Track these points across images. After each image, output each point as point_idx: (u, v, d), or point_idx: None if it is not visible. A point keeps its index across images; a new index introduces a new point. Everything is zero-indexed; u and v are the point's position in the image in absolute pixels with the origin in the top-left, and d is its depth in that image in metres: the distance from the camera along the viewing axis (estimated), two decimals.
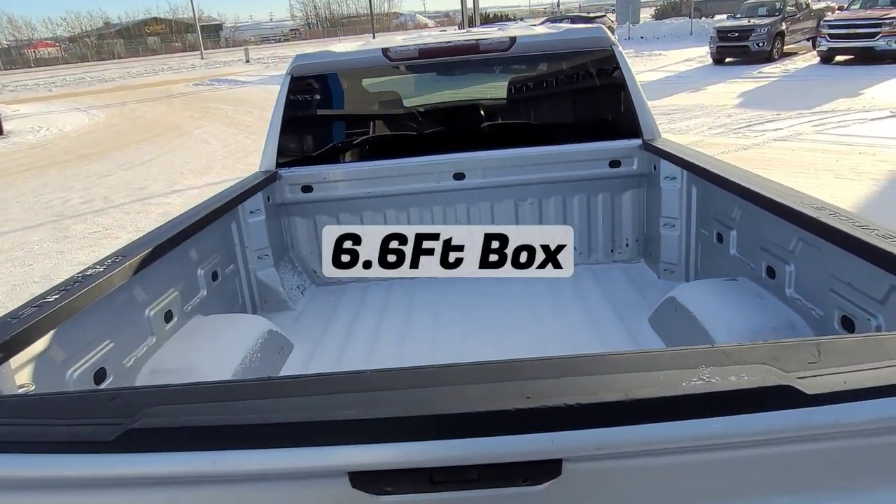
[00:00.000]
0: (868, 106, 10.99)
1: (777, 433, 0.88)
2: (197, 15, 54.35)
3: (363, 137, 3.11)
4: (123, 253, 1.80)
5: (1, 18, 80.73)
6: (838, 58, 16.44)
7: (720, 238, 2.28)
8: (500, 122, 3.15)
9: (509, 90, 3.08)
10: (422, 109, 3.22)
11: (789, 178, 7.24)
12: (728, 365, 0.93)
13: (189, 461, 0.88)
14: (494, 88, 3.24)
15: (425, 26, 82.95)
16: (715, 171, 2.15)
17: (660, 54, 22.95)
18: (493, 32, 2.84)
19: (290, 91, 2.86)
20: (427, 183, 2.86)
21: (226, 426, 0.91)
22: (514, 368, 0.99)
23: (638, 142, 2.82)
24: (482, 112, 3.11)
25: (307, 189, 2.91)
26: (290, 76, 2.87)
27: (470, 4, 32.84)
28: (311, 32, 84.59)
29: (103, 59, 65.29)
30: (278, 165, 2.91)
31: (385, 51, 2.76)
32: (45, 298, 1.47)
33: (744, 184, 1.92)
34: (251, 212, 2.69)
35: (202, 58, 44.64)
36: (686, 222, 2.60)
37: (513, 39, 2.72)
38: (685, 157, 2.42)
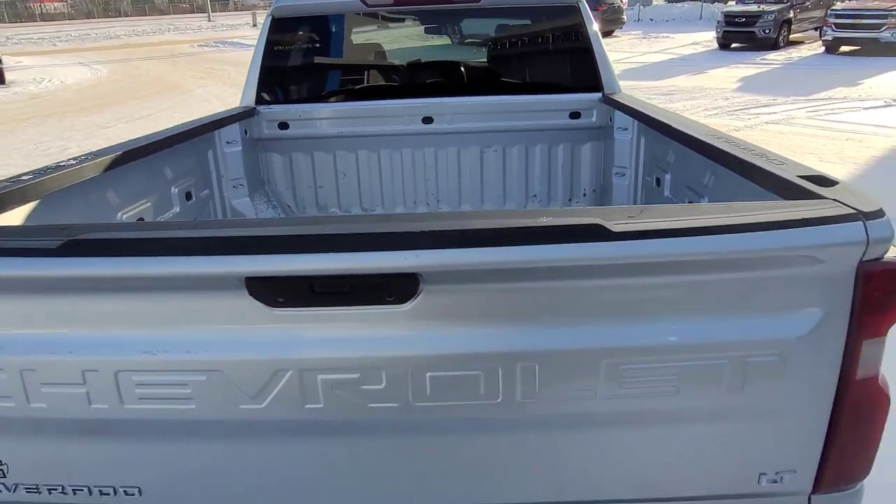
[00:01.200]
0: (864, 95, 11.05)
1: (585, 260, 1.06)
2: None
3: (340, 80, 3.25)
4: (96, 154, 1.95)
5: None
6: (843, 48, 16.41)
7: (658, 182, 2.43)
8: (468, 70, 3.28)
9: (478, 41, 3.21)
10: (396, 57, 3.35)
11: None
12: (568, 217, 1.10)
13: (116, 265, 1.06)
14: (465, 39, 3.37)
15: None
16: (657, 117, 2.28)
17: (667, 37, 22.83)
18: None
19: (270, 31, 2.99)
20: (397, 126, 3.00)
21: (147, 239, 1.10)
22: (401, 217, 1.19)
23: (598, 95, 2.95)
24: (452, 61, 3.25)
25: (284, 126, 3.05)
26: (271, 17, 2.99)
27: None
28: None
29: (109, 16, 64.69)
30: (257, 102, 3.05)
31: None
32: (19, 177, 1.63)
33: (675, 125, 2.06)
34: (227, 142, 2.83)
35: (209, 20, 44.29)
36: (634, 171, 2.74)
37: None
38: (636, 108, 2.55)
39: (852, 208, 1.09)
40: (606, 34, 24.66)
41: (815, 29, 18.94)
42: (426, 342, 1.11)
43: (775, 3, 18.43)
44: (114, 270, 1.07)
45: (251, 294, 1.07)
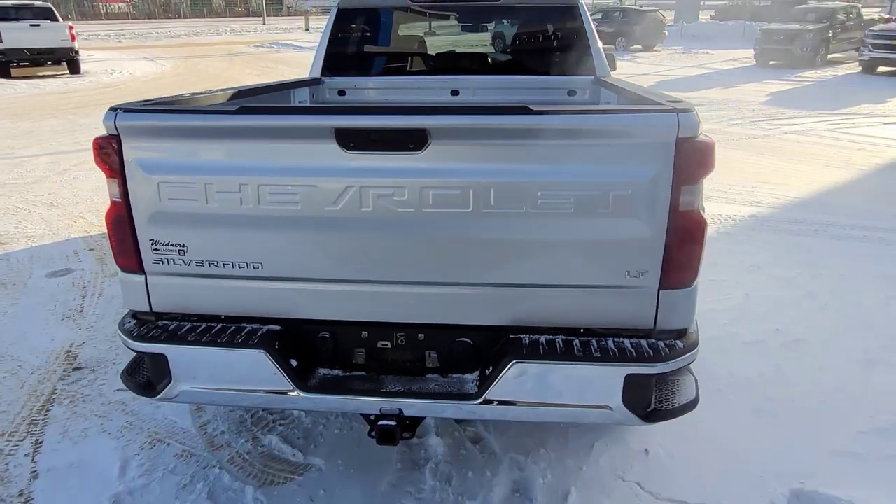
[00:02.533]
0: (888, 112, 11.41)
1: (516, 125, 1.81)
2: None
3: (386, 59, 4.02)
4: (213, 91, 2.74)
5: None
6: (881, 68, 16.62)
7: None
8: (490, 54, 4.03)
9: (500, 31, 3.96)
10: (433, 42, 4.12)
11: (783, 162, 7.90)
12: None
13: (264, 119, 1.87)
14: (490, 30, 4.12)
15: None
16: (628, 90, 2.96)
17: (707, 53, 23.18)
18: None
19: (336, 18, 3.79)
20: (430, 96, 3.74)
21: (281, 106, 1.92)
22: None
23: (591, 78, 3.65)
24: (478, 46, 4.00)
25: (342, 93, 3.82)
26: (337, 8, 3.79)
27: None
28: None
29: (169, 17, 67.39)
30: (322, 74, 3.84)
31: None
32: (189, 94, 2.47)
33: (635, 92, 2.74)
34: (299, 101, 3.61)
35: (264, 23, 46.09)
36: None
37: None
38: (617, 86, 3.23)
39: (673, 109, 1.79)
40: (648, 48, 25.05)
41: (855, 49, 19.15)
42: (431, 173, 1.83)
43: (815, 22, 18.71)
44: (262, 123, 1.85)
45: (336, 141, 1.82)
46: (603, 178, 1.82)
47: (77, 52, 16.99)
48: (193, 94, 2.57)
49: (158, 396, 2.09)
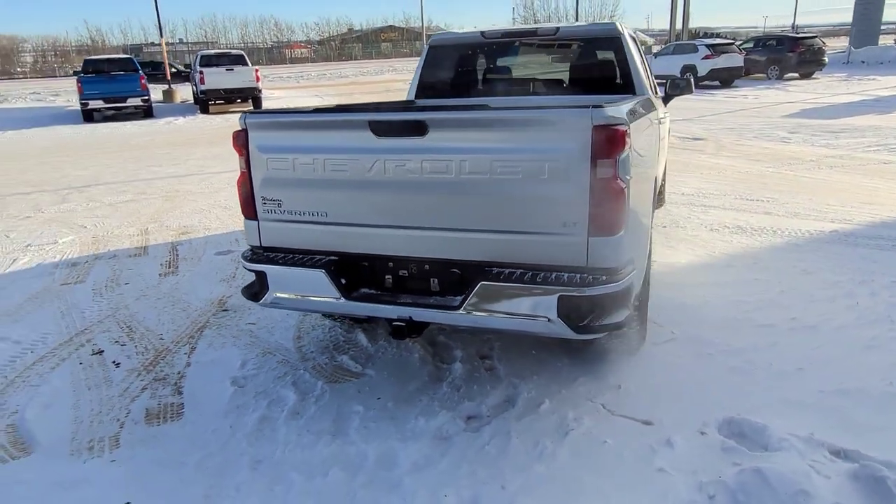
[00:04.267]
0: None
1: (475, 119, 2.66)
2: (425, 25, 60.08)
3: (466, 84, 4.95)
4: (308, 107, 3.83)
5: (269, 22, 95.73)
6: None
7: None
8: (548, 79, 4.83)
9: (556, 61, 4.76)
10: (502, 71, 5.00)
11: (866, 179, 7.75)
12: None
13: (325, 116, 2.93)
14: (548, 59, 4.93)
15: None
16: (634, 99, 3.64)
17: (872, 79, 21.65)
18: (548, 25, 4.55)
19: (427, 53, 4.82)
20: None
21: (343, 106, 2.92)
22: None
23: (631, 96, 4.32)
24: (536, 73, 4.82)
25: None
26: (429, 46, 4.83)
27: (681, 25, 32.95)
28: None
29: (343, 60, 74.33)
30: (416, 97, 4.88)
31: (482, 33, 4.62)
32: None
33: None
34: None
35: None
36: None
37: (557, 28, 4.44)
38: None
39: (588, 106, 2.52)
40: (805, 76, 23.84)
41: None
42: (428, 149, 2.70)
43: None
44: (325, 118, 2.92)
45: (371, 129, 2.79)
46: (543, 153, 2.60)
47: (260, 91, 20.03)
48: (306, 107, 3.72)
49: (261, 302, 3.16)
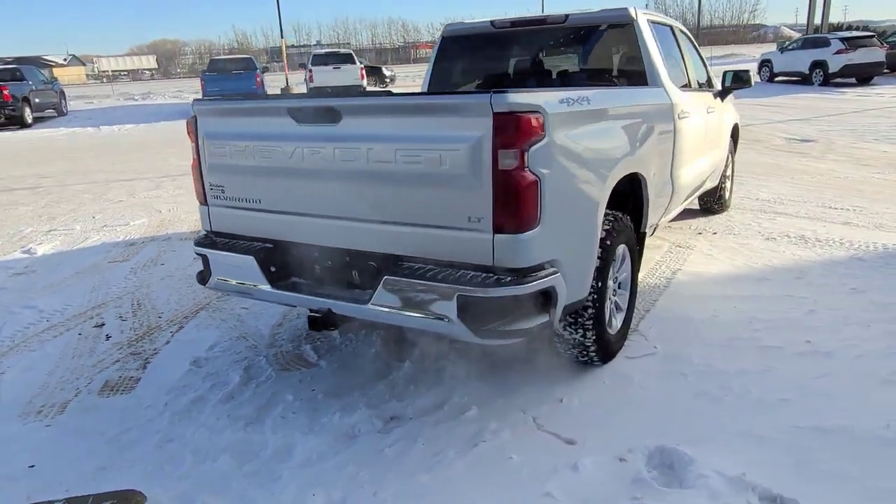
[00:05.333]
0: None
1: (381, 104, 2.51)
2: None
3: (478, 72, 4.74)
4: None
5: (397, 23, 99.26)
6: None
7: None
8: (558, 70, 4.51)
9: (569, 49, 4.44)
10: (512, 61, 4.75)
11: None
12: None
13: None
14: (559, 48, 4.61)
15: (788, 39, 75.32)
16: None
17: None
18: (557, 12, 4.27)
19: (440, 44, 4.70)
20: None
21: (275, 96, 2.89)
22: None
23: (645, 87, 3.93)
24: (549, 63, 4.52)
25: None
26: (441, 36, 4.71)
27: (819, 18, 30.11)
28: None
29: None
30: (428, 90, 4.77)
31: (492, 22, 4.42)
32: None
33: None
34: None
35: None
36: None
37: (567, 15, 4.14)
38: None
39: (489, 92, 2.32)
40: (864, 81, 20.76)
41: None
42: (341, 136, 2.61)
43: None
44: (252, 105, 2.92)
45: (290, 115, 2.74)
46: (444, 142, 2.43)
47: (364, 88, 20.69)
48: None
49: (207, 285, 3.23)
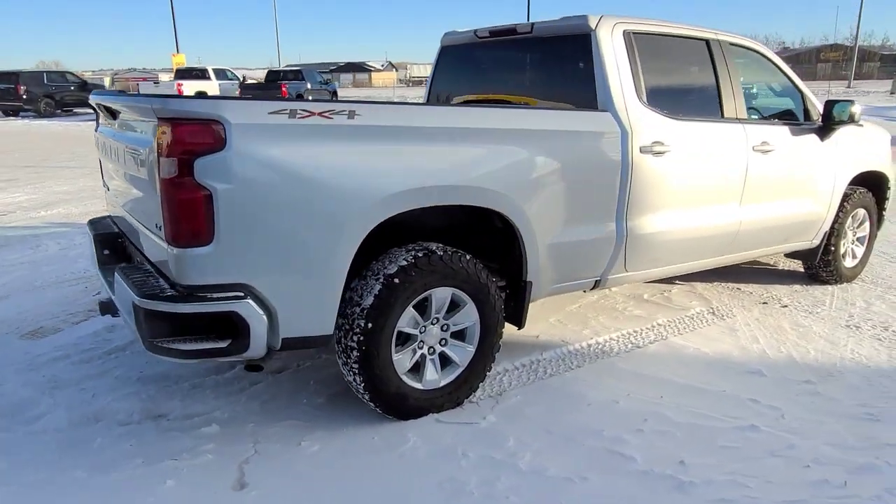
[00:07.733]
0: None
1: None
2: (861, 41, 50.31)
3: (469, 81, 4.28)
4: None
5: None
6: None
7: None
8: (524, 83, 3.89)
9: (535, 62, 3.79)
10: (487, 73, 4.19)
11: None
12: None
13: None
14: (528, 60, 3.94)
15: None
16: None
17: None
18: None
19: (439, 53, 4.41)
20: None
21: None
22: None
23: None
24: (516, 76, 3.92)
25: None
26: (441, 45, 4.40)
27: None
28: None
29: None
30: (427, 101, 4.49)
31: (475, 31, 4.00)
32: None
33: None
34: None
35: (849, 87, 41.70)
36: None
37: (533, 24, 3.57)
38: None
39: (161, 95, 2.21)
40: None
41: None
42: (115, 135, 2.75)
43: None
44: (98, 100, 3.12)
45: (107, 112, 2.95)
46: (136, 144, 2.45)
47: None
48: None
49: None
